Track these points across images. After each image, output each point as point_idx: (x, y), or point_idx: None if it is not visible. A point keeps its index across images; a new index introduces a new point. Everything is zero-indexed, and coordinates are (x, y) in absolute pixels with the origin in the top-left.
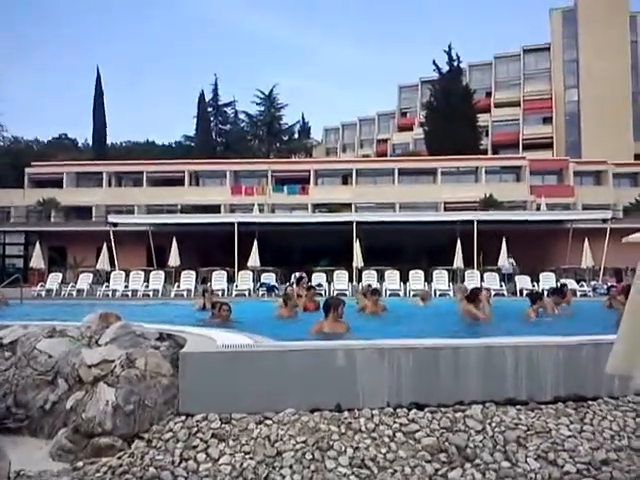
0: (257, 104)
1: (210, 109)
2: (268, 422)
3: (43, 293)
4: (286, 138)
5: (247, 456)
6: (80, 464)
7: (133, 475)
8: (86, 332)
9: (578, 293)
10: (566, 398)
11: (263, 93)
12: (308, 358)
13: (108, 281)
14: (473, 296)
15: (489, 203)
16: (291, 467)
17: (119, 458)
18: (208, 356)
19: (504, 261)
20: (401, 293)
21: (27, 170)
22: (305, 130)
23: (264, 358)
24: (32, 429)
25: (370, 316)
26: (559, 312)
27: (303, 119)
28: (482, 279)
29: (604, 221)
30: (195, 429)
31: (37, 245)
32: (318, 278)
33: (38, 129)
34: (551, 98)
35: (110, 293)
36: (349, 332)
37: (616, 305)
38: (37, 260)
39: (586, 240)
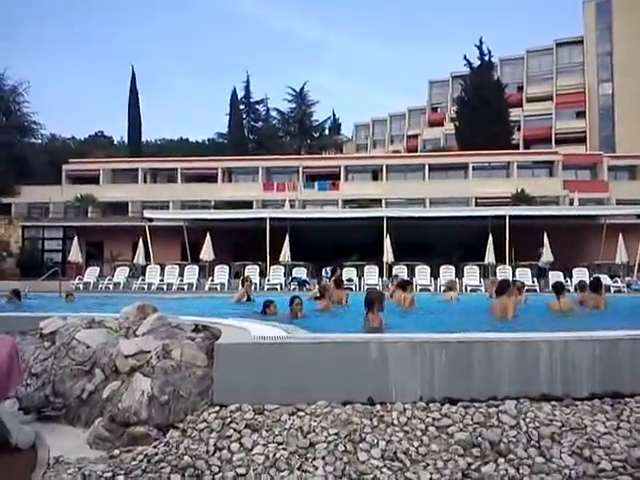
0: (288, 101)
1: (242, 106)
2: (300, 414)
3: (81, 286)
4: (317, 135)
5: (280, 446)
6: (117, 452)
7: (168, 463)
8: (124, 323)
9: (612, 289)
10: (602, 394)
11: (294, 90)
12: (341, 351)
13: (144, 275)
14: (502, 289)
15: (521, 198)
16: (324, 458)
17: (155, 447)
18: (242, 347)
19: (548, 255)
20: (431, 288)
21: (65, 167)
22: (336, 126)
23: (297, 350)
24: (69, 418)
25: (405, 310)
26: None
27: (334, 115)
28: (514, 274)
29: (639, 216)
30: (229, 419)
31: (75, 240)
32: (349, 273)
33: (75, 127)
34: (584, 92)
35: (146, 286)
36: (385, 326)
37: None
38: (75, 254)
39: (620, 235)
